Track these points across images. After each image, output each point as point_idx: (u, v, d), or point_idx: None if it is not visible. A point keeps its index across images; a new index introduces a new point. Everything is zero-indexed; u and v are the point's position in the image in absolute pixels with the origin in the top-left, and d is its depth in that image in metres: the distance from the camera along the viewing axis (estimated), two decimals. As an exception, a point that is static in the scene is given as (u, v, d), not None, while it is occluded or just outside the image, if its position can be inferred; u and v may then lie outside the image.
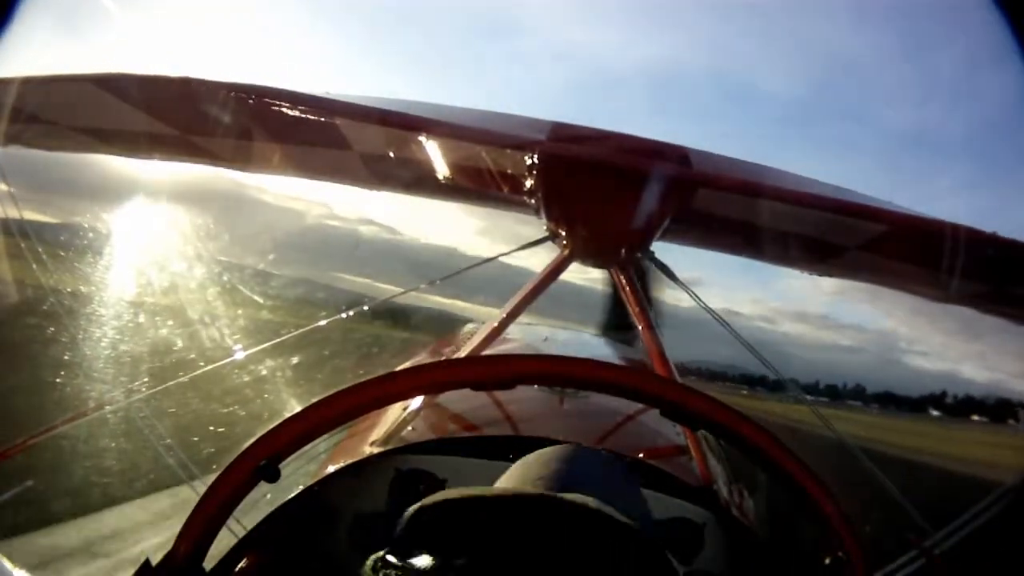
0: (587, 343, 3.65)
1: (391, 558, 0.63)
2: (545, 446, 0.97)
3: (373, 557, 0.64)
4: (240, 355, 2.37)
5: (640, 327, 2.03)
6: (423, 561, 0.61)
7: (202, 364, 2.24)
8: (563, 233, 1.94)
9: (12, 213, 2.36)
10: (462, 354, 2.00)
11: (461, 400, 1.92)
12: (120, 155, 2.35)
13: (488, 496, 0.70)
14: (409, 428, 1.79)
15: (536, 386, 1.89)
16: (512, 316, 1.99)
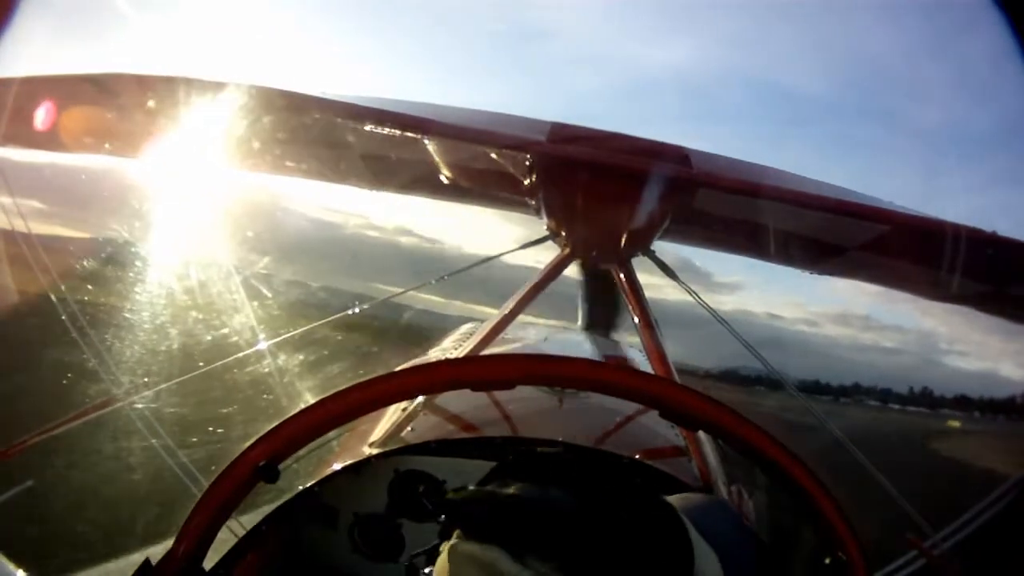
0: (587, 343, 3.64)
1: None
2: (544, 446, 0.97)
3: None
4: (243, 354, 2.36)
5: (640, 327, 2.02)
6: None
7: (201, 365, 2.23)
8: (563, 233, 1.94)
9: (12, 213, 2.36)
10: (462, 354, 2.00)
11: (461, 400, 1.92)
12: (120, 155, 2.35)
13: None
14: (409, 428, 1.79)
15: (535, 386, 1.89)
16: (512, 316, 1.99)
